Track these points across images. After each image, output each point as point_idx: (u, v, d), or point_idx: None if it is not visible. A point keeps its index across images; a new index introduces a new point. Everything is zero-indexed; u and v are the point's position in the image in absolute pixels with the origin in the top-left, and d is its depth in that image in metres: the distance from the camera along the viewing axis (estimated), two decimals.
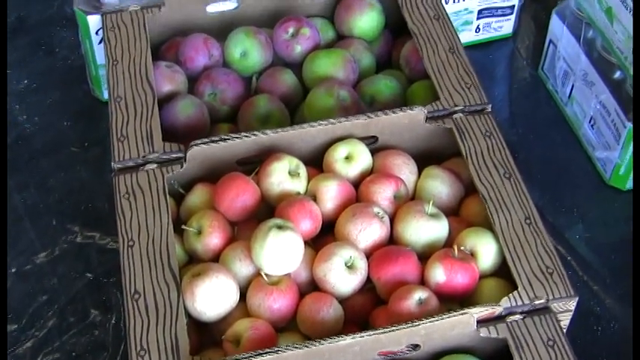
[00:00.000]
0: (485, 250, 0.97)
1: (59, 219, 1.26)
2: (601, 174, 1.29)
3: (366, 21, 1.24)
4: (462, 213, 1.05)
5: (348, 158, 1.06)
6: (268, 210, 1.03)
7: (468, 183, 1.05)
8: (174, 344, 0.88)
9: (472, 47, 1.47)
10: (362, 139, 1.07)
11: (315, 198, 1.03)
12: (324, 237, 1.02)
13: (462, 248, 0.97)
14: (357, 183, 1.05)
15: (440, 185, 1.05)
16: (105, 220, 1.25)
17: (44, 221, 1.26)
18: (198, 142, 1.02)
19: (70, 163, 1.33)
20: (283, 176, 1.03)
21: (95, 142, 1.36)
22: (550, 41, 1.39)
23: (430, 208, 1.00)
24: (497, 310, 0.90)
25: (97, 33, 1.29)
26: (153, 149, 1.03)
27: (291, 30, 1.22)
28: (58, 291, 1.18)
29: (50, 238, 1.24)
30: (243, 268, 0.98)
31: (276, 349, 0.85)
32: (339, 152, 1.06)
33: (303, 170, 1.04)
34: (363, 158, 1.06)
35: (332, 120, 1.05)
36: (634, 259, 1.05)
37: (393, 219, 1.02)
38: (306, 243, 0.99)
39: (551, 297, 0.90)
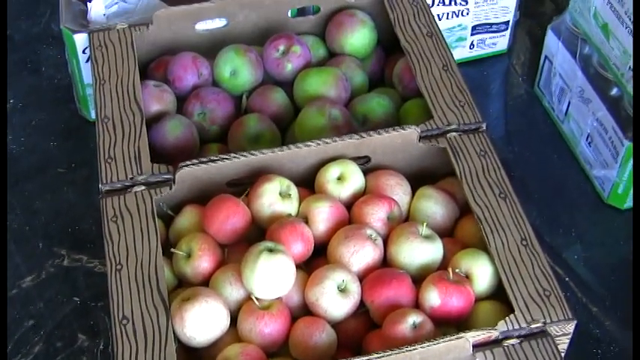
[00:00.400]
0: (481, 272, 0.97)
1: (45, 242, 1.26)
2: (599, 193, 1.30)
3: (358, 38, 1.25)
4: (456, 234, 1.05)
5: (340, 179, 1.06)
6: (259, 232, 1.03)
7: (463, 203, 1.05)
8: None
9: (466, 64, 1.48)
10: (354, 159, 1.07)
11: (306, 220, 1.03)
12: (316, 260, 1.02)
13: (456, 270, 0.97)
14: (350, 204, 1.05)
15: (434, 206, 1.05)
16: (92, 242, 1.25)
17: (30, 244, 1.25)
18: (188, 163, 1.02)
19: (57, 185, 1.33)
20: (274, 198, 1.03)
21: (82, 162, 1.36)
22: (545, 57, 1.39)
23: (424, 230, 1.00)
24: (494, 334, 0.89)
25: (84, 52, 1.29)
26: (141, 171, 1.03)
27: (281, 48, 1.22)
28: (45, 316, 1.18)
29: (36, 261, 1.23)
30: (234, 292, 0.98)
31: None
32: (331, 173, 1.06)
33: (294, 191, 1.05)
34: (355, 179, 1.06)
35: (324, 140, 1.05)
36: (634, 280, 1.06)
37: (386, 241, 1.02)
38: (298, 266, 0.99)
39: (548, 320, 0.90)
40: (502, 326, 0.90)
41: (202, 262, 1.00)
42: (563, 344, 0.92)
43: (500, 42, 1.50)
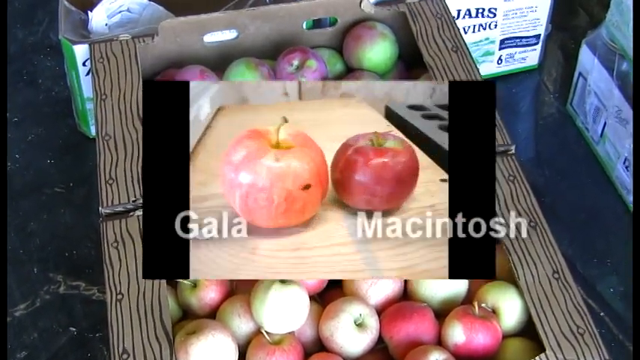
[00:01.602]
0: (509, 307, 0.97)
1: (40, 267, 1.26)
2: None
3: (377, 52, 1.25)
4: None
5: None
6: None
7: None
8: None
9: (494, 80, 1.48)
10: None
11: None
12: (332, 291, 1.02)
13: (482, 305, 0.96)
14: None
15: None
16: (90, 267, 1.25)
17: (24, 269, 1.26)
18: None
19: (53, 205, 1.34)
20: None
21: (81, 181, 1.36)
22: (580, 74, 1.39)
23: None
24: None
25: (84, 64, 1.30)
26: None
27: (295, 62, 1.23)
28: (39, 347, 1.18)
29: (31, 287, 1.23)
30: (243, 325, 0.98)
31: None
32: None
33: None
34: None
35: None
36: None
37: None
38: (312, 298, 0.99)
39: None
40: None
41: (209, 292, 1.00)
42: None
43: (531, 57, 1.50)
